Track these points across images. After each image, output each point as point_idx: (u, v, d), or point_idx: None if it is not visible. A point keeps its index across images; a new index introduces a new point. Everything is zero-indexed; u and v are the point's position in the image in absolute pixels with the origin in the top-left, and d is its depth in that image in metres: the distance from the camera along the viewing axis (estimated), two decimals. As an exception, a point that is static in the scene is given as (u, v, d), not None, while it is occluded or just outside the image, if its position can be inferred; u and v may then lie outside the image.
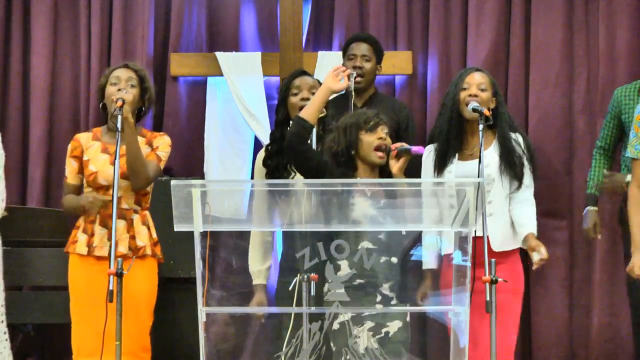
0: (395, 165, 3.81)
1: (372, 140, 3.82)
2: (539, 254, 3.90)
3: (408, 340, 3.68)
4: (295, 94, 4.18)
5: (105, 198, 3.97)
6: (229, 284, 3.68)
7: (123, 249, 4.00)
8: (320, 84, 4.19)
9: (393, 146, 3.82)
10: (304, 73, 4.31)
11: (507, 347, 3.92)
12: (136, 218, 4.07)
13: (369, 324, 3.58)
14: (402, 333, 3.65)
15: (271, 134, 4.32)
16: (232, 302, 3.67)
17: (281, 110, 4.24)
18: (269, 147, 4.24)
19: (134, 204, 4.08)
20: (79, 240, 4.05)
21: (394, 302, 3.69)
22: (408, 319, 3.71)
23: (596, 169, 4.63)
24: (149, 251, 4.05)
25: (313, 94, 4.10)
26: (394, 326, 3.63)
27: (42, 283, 4.84)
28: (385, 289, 3.69)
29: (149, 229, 4.09)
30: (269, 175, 4.18)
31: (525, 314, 5.03)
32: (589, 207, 4.60)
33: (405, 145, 3.81)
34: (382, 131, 3.85)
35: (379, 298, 3.68)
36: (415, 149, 3.78)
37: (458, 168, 3.99)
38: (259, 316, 3.97)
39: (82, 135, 4.22)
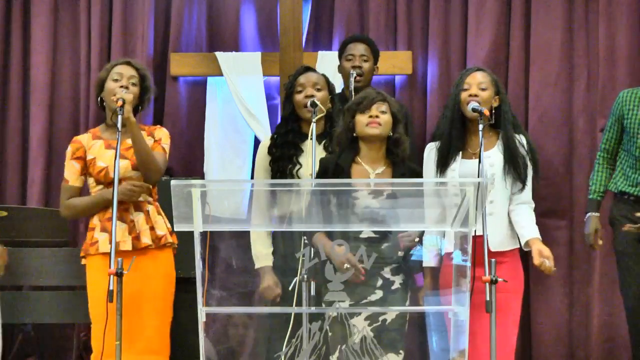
0: None
1: (364, 118, 3.81)
2: (549, 263, 3.91)
3: (404, 327, 3.67)
4: (300, 91, 4.18)
5: (142, 185, 4.01)
6: (229, 284, 3.68)
7: (147, 239, 4.02)
8: (325, 78, 4.24)
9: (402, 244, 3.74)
10: (308, 69, 4.31)
11: (507, 347, 3.92)
12: (151, 209, 4.09)
13: (367, 312, 3.57)
14: (399, 321, 3.65)
15: (277, 127, 4.33)
16: (232, 302, 3.67)
17: (287, 107, 4.26)
18: (275, 137, 4.25)
19: (147, 196, 4.09)
20: (99, 240, 4.02)
21: (395, 286, 3.69)
22: (407, 302, 3.71)
23: (598, 173, 4.56)
24: (169, 239, 4.09)
25: (318, 90, 4.15)
26: (391, 314, 3.63)
27: (42, 283, 4.84)
28: (387, 272, 3.68)
29: (163, 218, 4.11)
30: (273, 163, 4.20)
31: (525, 314, 5.03)
32: (590, 213, 4.52)
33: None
34: (377, 109, 3.82)
35: (379, 282, 3.67)
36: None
37: (462, 166, 3.99)
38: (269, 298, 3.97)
39: (81, 137, 4.21)
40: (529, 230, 4.01)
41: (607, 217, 4.61)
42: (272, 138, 4.26)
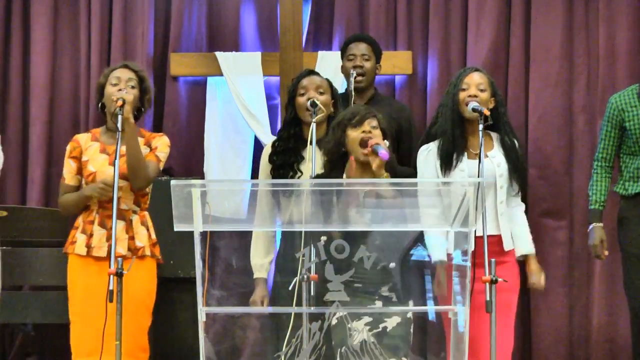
0: (373, 162, 3.68)
1: (356, 135, 3.74)
2: (539, 283, 4.11)
3: (409, 336, 3.66)
4: (302, 94, 4.11)
5: (107, 181, 3.96)
6: (229, 284, 3.68)
7: (122, 249, 4.00)
8: (328, 82, 4.18)
9: (370, 142, 3.70)
10: (311, 73, 4.26)
11: (507, 346, 3.92)
12: (135, 219, 4.07)
13: (367, 319, 3.57)
14: (402, 328, 3.64)
15: (279, 132, 4.30)
16: (232, 302, 3.67)
17: (289, 110, 4.18)
18: (276, 144, 4.21)
19: (132, 205, 4.08)
20: (77, 241, 4.05)
21: (394, 300, 3.68)
22: (409, 315, 3.70)
23: (598, 183, 4.51)
24: (147, 252, 4.05)
25: (320, 93, 4.09)
26: (392, 322, 3.61)
27: (42, 283, 4.84)
28: (385, 291, 3.68)
29: (147, 229, 4.09)
30: (275, 171, 4.16)
31: (525, 314, 5.04)
32: (594, 224, 4.47)
33: (380, 145, 3.69)
34: (369, 125, 3.75)
35: (377, 297, 3.67)
36: (381, 153, 3.65)
37: (469, 167, 3.99)
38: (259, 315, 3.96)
39: (81, 136, 4.23)
40: (525, 242, 4.09)
41: (611, 218, 4.60)
42: (273, 145, 4.21)
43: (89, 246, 4.02)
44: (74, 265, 4.08)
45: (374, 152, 3.67)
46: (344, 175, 3.79)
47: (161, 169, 4.16)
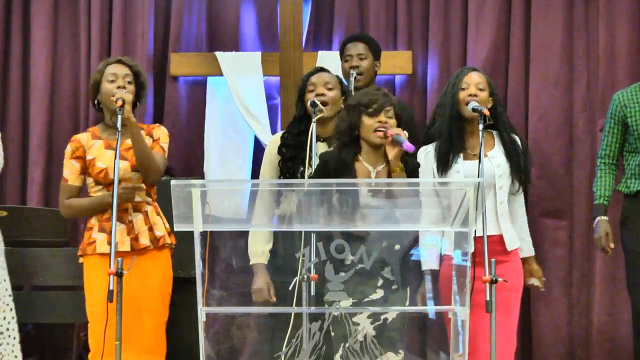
0: (390, 152, 3.75)
1: (372, 123, 3.79)
2: (538, 282, 4.16)
3: (405, 327, 3.68)
4: (311, 91, 4.18)
5: (135, 185, 4.00)
6: (229, 284, 3.69)
7: (145, 241, 4.03)
8: (338, 78, 4.24)
9: (389, 132, 3.75)
10: (321, 70, 4.32)
11: (509, 346, 3.93)
12: (150, 209, 4.09)
13: (368, 312, 3.58)
14: (400, 320, 3.65)
15: (288, 126, 4.32)
16: (232, 302, 3.67)
17: (299, 107, 4.24)
18: (286, 136, 4.24)
19: (145, 196, 4.09)
20: (97, 240, 4.03)
21: (395, 286, 3.69)
22: (407, 302, 3.73)
23: (602, 178, 4.50)
24: (168, 240, 4.09)
25: (329, 89, 4.15)
26: (392, 313, 3.63)
27: (42, 283, 4.84)
28: (387, 272, 3.69)
29: (162, 218, 4.11)
30: (283, 163, 4.19)
31: (525, 314, 5.04)
32: (599, 217, 4.46)
33: (400, 135, 3.74)
34: (385, 115, 3.80)
35: (380, 282, 3.68)
36: (406, 145, 3.70)
37: (465, 167, 3.99)
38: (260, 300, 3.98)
39: (80, 135, 4.21)
40: (525, 245, 4.12)
41: (613, 218, 4.59)
42: (282, 137, 4.25)
43: (111, 243, 3.99)
44: (93, 266, 4.04)
45: (395, 142, 3.72)
46: (360, 157, 3.83)
47: (166, 158, 4.17)
